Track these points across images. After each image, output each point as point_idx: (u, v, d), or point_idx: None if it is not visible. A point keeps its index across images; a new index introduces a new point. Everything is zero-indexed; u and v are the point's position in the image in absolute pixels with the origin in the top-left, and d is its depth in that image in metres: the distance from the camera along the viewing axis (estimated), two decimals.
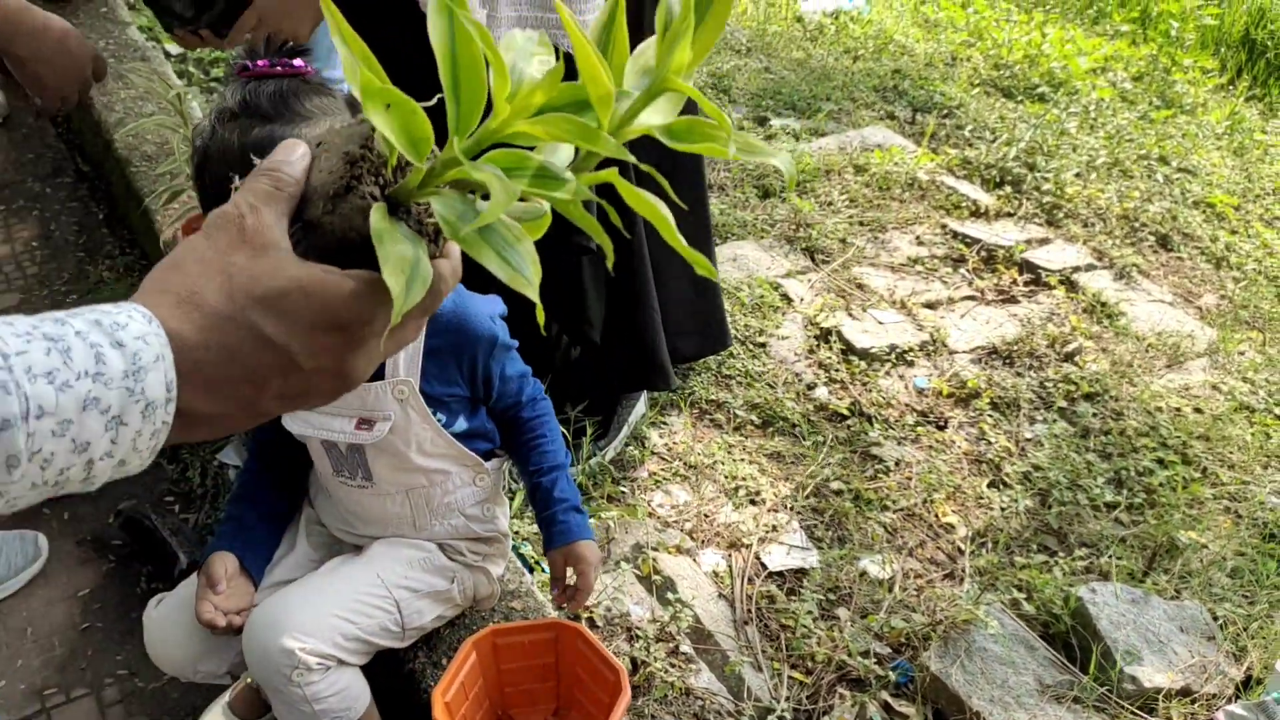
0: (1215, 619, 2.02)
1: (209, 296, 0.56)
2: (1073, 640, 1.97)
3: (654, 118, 0.59)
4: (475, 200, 0.60)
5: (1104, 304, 3.13)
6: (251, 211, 0.58)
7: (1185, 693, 1.86)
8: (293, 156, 0.61)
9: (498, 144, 0.58)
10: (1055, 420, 2.65)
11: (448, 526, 1.62)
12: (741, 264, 3.14)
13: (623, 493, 2.33)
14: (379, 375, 1.44)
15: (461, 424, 1.55)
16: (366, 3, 1.80)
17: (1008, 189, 3.70)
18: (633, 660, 1.83)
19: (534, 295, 0.58)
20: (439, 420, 1.50)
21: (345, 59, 0.56)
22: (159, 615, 1.58)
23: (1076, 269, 3.29)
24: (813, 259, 3.24)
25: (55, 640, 1.92)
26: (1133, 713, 1.82)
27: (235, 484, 1.70)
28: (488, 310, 1.54)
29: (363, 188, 0.59)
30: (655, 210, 0.59)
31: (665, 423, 2.56)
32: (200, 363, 0.56)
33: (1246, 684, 1.91)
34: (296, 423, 1.49)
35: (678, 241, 0.60)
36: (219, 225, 0.59)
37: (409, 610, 1.54)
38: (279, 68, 1.30)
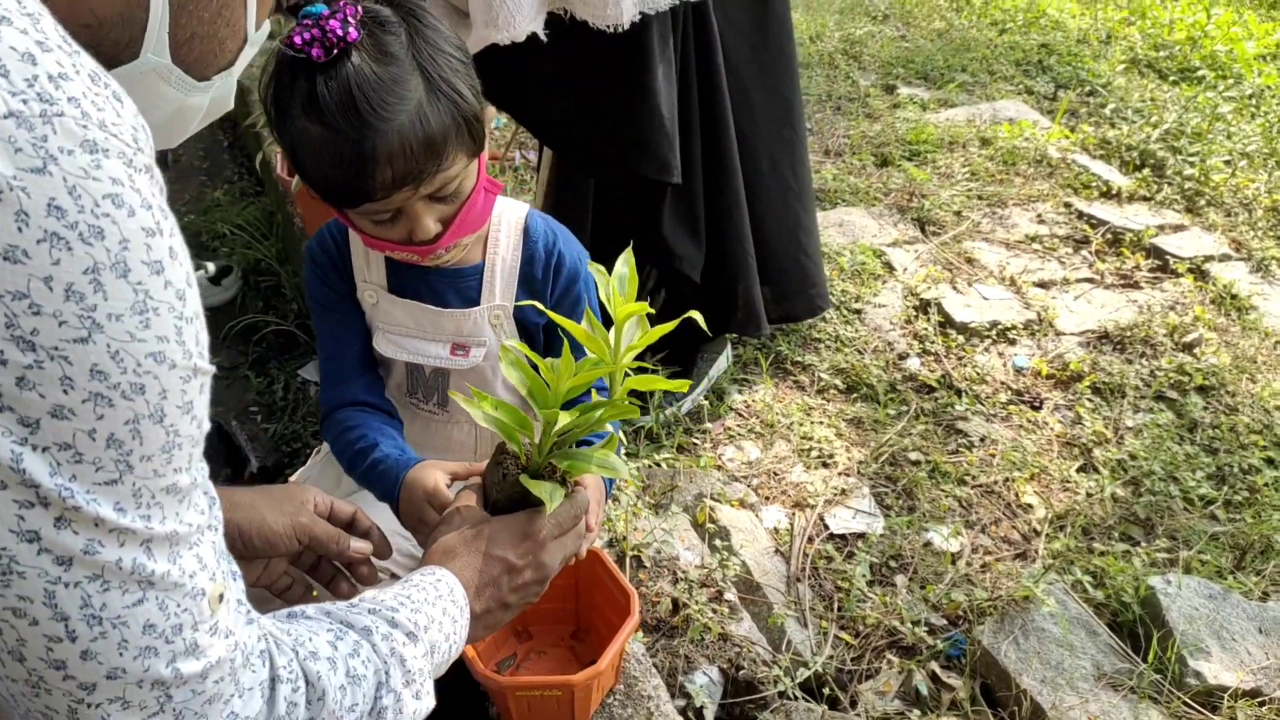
0: None
1: (460, 549, 1.04)
2: (1139, 631, 1.88)
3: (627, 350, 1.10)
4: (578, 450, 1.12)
5: (1234, 296, 2.94)
6: (465, 510, 1.10)
7: (1254, 694, 1.75)
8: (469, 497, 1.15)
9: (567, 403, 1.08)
10: (1162, 411, 2.52)
11: None
12: (848, 229, 3.08)
13: (694, 444, 2.34)
14: (476, 302, 1.46)
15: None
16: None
17: (1146, 171, 3.52)
18: (674, 601, 1.85)
19: (626, 476, 1.30)
20: None
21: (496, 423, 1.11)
22: None
23: (1209, 258, 3.10)
24: (923, 230, 3.15)
25: None
26: (1192, 707, 1.73)
27: (355, 440, 1.49)
28: (579, 247, 1.54)
29: (510, 472, 1.10)
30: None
31: (747, 380, 2.55)
32: (467, 581, 1.01)
33: None
34: (390, 346, 1.49)
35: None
36: (448, 521, 1.10)
37: None
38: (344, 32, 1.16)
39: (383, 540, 1.22)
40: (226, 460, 2.16)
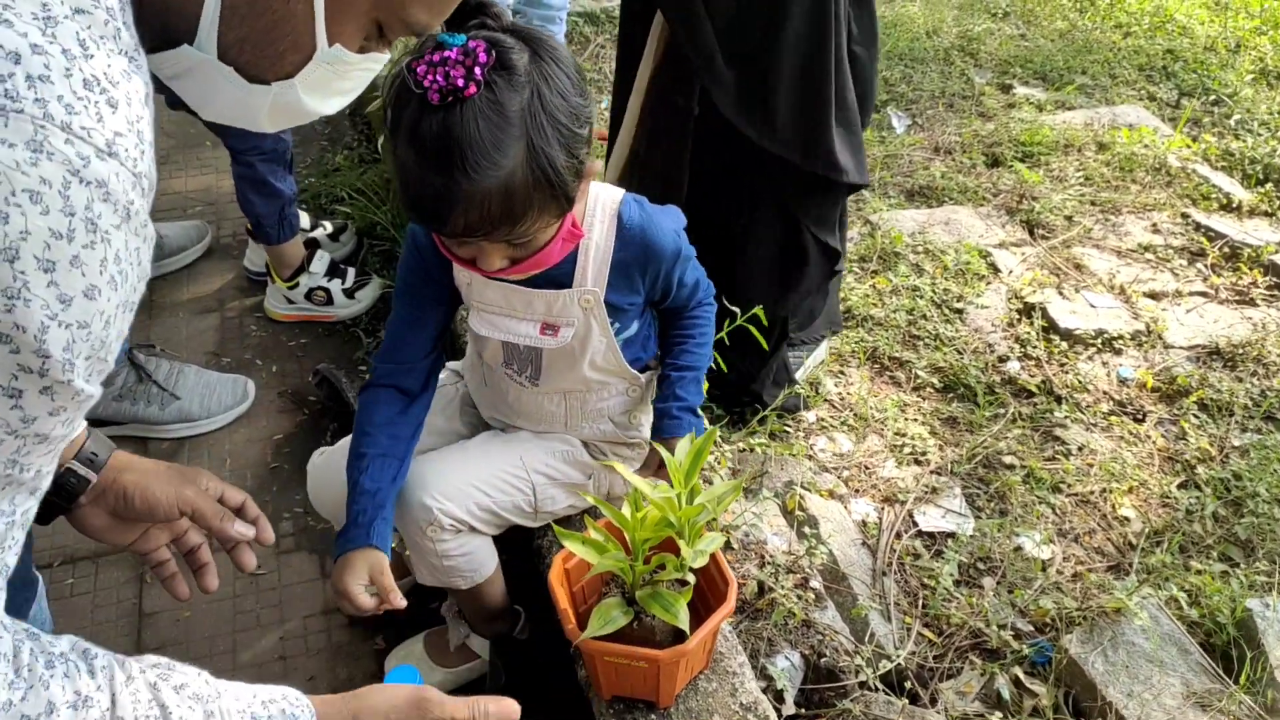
0: None
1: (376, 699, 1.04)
2: (1232, 653, 1.84)
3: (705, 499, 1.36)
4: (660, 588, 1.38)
5: None
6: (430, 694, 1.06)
7: None
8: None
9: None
10: (1271, 432, 2.45)
11: (595, 430, 1.69)
12: (953, 228, 3.05)
13: (786, 430, 2.35)
14: (566, 284, 1.48)
15: (633, 328, 1.61)
16: None
17: (1269, 186, 3.40)
18: (760, 584, 1.87)
19: (686, 628, 1.34)
20: (613, 327, 1.55)
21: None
22: (320, 464, 1.73)
23: None
24: (1031, 233, 3.10)
25: (248, 473, 2.16)
26: None
27: (362, 427, 1.55)
28: (671, 225, 1.56)
29: (611, 593, 1.42)
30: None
31: (843, 373, 2.55)
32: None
33: None
34: (484, 324, 1.53)
35: None
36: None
37: (543, 495, 1.62)
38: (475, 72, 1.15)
39: (267, 529, 1.24)
40: (336, 415, 2.24)
